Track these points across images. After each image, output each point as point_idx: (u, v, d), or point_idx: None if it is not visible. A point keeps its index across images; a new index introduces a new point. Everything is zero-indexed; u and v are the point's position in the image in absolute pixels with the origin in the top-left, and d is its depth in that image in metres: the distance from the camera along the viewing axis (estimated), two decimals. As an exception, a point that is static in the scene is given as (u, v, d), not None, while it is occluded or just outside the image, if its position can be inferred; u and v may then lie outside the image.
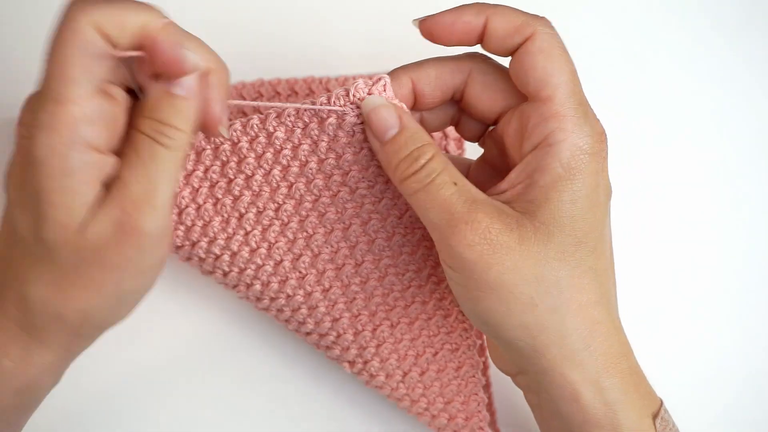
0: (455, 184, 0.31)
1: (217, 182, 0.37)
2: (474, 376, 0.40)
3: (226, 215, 0.37)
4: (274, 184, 0.36)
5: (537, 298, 0.30)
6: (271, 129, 0.35)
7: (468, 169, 0.37)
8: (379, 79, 0.34)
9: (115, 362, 0.43)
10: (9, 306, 0.30)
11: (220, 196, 0.37)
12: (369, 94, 0.33)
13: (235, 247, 0.37)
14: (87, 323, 0.30)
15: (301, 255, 0.37)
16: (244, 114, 0.43)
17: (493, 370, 0.40)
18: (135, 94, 0.30)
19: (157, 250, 0.30)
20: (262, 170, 0.36)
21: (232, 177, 0.36)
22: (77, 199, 0.28)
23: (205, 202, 0.37)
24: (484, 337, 0.41)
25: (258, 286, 0.38)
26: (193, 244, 0.37)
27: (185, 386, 0.44)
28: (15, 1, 0.45)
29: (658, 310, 0.45)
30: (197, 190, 0.37)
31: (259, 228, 0.37)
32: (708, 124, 0.47)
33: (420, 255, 0.38)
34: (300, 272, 0.38)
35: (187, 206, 0.37)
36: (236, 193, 0.37)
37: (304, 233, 0.37)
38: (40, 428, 0.36)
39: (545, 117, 0.31)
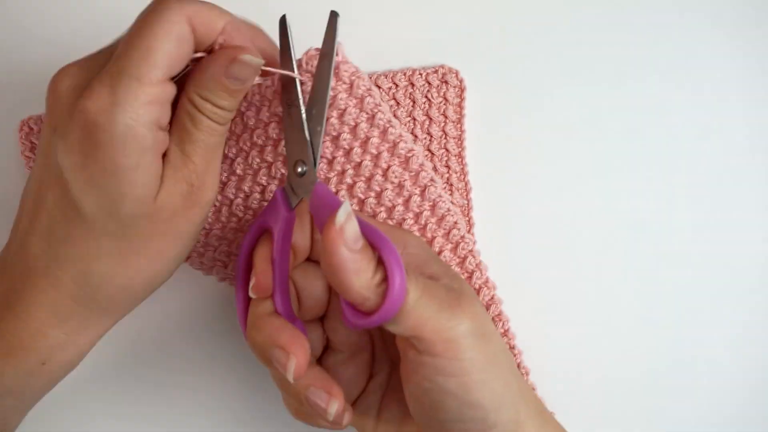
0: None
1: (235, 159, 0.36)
2: (493, 297, 0.39)
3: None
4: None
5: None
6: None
7: None
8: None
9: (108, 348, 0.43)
10: (67, 282, 0.31)
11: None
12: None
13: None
14: (149, 289, 0.33)
15: None
16: None
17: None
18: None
19: (206, 216, 0.33)
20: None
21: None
22: (152, 175, 0.30)
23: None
24: None
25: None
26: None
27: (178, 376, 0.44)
28: (15, 2, 0.45)
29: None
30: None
31: (251, 212, 0.37)
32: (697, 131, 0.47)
33: (413, 202, 0.37)
34: None
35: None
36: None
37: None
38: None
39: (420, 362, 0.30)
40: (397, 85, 0.44)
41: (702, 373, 0.45)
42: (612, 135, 0.46)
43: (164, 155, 0.31)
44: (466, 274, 0.39)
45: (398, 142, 0.36)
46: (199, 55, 0.31)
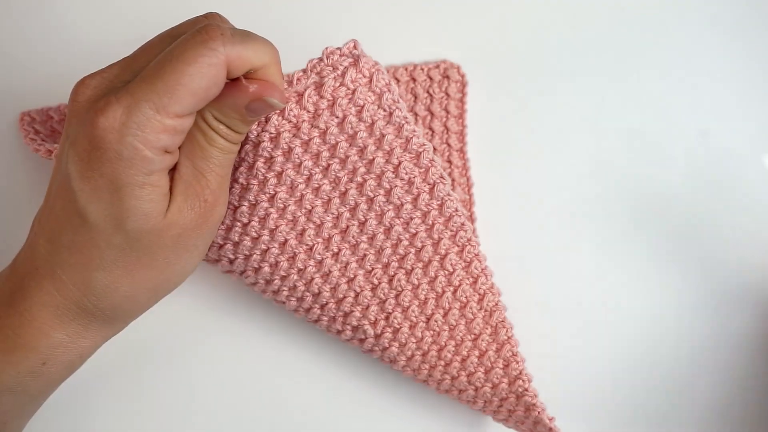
0: None
1: (238, 167, 0.36)
2: (498, 303, 0.39)
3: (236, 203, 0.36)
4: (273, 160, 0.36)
5: None
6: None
7: None
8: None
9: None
10: (71, 287, 0.31)
11: (243, 182, 0.36)
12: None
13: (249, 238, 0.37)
14: (154, 299, 0.33)
15: (304, 230, 0.37)
16: None
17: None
18: None
19: (216, 230, 0.34)
20: (274, 172, 0.36)
21: (251, 162, 0.36)
22: (157, 191, 0.30)
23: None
24: None
25: (267, 268, 0.38)
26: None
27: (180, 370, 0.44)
28: (15, 2, 0.45)
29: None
30: None
31: (256, 218, 0.36)
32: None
33: (422, 200, 0.37)
34: (307, 245, 0.37)
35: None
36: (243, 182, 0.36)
37: (304, 210, 0.36)
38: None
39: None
40: (398, 81, 0.44)
41: (702, 372, 0.45)
42: (613, 130, 0.46)
43: (176, 170, 0.31)
44: (471, 279, 0.39)
45: (411, 138, 0.35)
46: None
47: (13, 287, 0.32)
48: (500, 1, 0.46)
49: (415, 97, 0.44)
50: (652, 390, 0.45)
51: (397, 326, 0.39)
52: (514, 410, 0.40)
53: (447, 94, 0.44)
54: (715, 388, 0.45)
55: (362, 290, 0.38)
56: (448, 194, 0.37)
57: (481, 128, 0.45)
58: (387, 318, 0.39)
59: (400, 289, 0.38)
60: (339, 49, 0.34)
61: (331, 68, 0.34)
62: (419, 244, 0.38)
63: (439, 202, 0.37)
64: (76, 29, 0.45)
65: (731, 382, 0.45)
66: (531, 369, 0.40)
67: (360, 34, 0.42)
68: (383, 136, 0.35)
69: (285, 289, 0.38)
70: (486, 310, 0.39)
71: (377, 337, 0.39)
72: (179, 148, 0.31)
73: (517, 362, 0.39)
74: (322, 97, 0.34)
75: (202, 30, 0.29)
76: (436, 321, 0.39)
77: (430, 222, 0.37)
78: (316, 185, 0.36)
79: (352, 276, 0.38)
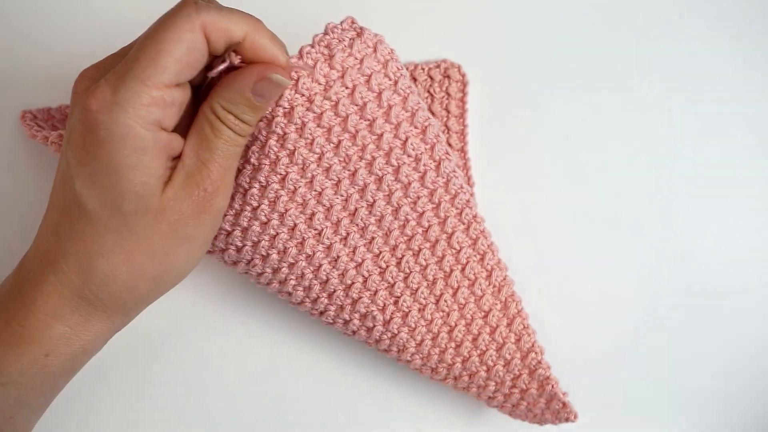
0: None
1: (251, 146, 0.36)
2: (506, 278, 0.39)
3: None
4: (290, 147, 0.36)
5: None
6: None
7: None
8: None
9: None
10: (73, 278, 0.31)
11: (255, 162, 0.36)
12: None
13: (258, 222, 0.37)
14: (154, 292, 0.33)
15: (314, 214, 0.37)
16: None
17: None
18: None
19: (219, 223, 0.34)
20: (286, 150, 0.36)
21: (263, 141, 0.36)
22: (152, 174, 0.30)
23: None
24: None
25: (275, 255, 0.37)
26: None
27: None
28: (15, 2, 0.45)
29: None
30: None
31: (266, 201, 0.36)
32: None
33: (428, 177, 0.37)
34: (316, 229, 0.37)
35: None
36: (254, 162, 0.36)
37: (314, 192, 0.36)
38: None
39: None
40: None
41: (703, 371, 0.45)
42: (613, 129, 0.46)
43: (179, 159, 0.31)
44: (478, 256, 0.39)
45: (416, 111, 0.36)
46: (225, 65, 0.31)
47: (20, 280, 0.32)
48: (501, 1, 0.46)
49: (416, 97, 0.44)
50: (658, 385, 0.45)
51: (407, 310, 0.38)
52: (527, 388, 0.40)
53: (448, 93, 0.44)
54: (717, 388, 0.45)
55: (371, 274, 0.38)
56: (453, 171, 0.37)
57: (482, 128, 0.45)
58: (396, 302, 0.38)
59: (408, 271, 0.38)
60: (341, 23, 0.35)
61: (337, 40, 0.34)
62: (426, 224, 0.38)
63: (444, 179, 0.37)
64: (77, 29, 0.45)
65: (732, 383, 0.45)
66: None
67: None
68: (390, 107, 0.35)
69: (292, 278, 0.38)
70: (495, 286, 0.39)
71: (386, 323, 0.39)
72: (187, 140, 0.32)
73: (529, 335, 0.39)
74: (332, 68, 0.34)
75: (178, 3, 0.30)
76: (445, 301, 0.39)
77: (437, 200, 0.37)
78: (327, 165, 0.36)
79: (360, 260, 0.38)
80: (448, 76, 0.44)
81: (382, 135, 0.35)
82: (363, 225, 0.37)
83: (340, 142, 0.35)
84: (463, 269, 0.38)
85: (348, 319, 0.39)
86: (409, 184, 0.37)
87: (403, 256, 0.38)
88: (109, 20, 0.45)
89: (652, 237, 0.45)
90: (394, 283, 0.38)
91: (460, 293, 0.39)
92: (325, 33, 0.35)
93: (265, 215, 0.36)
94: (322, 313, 0.39)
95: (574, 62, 0.46)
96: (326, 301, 0.39)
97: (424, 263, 0.38)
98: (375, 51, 0.35)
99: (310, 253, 0.37)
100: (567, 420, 0.40)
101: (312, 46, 0.34)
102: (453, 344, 0.39)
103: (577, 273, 0.45)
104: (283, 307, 0.43)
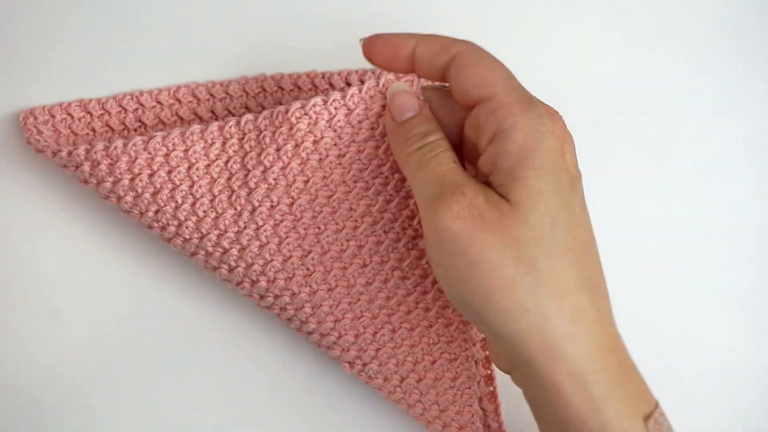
0: (454, 162, 0.33)
1: (236, 173, 0.37)
2: (470, 388, 0.39)
3: (239, 208, 0.37)
4: (291, 178, 0.36)
5: (516, 278, 0.30)
6: (293, 120, 0.35)
7: None
8: (409, 77, 0.36)
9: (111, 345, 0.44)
10: None
11: (236, 188, 0.37)
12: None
13: (244, 241, 0.37)
14: None
15: (310, 251, 0.37)
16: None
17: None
18: None
19: None
20: (281, 163, 0.36)
21: (250, 168, 0.36)
22: None
23: (220, 193, 0.37)
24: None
25: (263, 283, 0.38)
26: (202, 237, 0.37)
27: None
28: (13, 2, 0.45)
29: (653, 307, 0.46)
30: (215, 181, 0.37)
31: (271, 222, 0.37)
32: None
33: (427, 261, 0.38)
34: (307, 269, 0.37)
35: (202, 196, 0.37)
36: (252, 185, 0.37)
37: (316, 229, 0.37)
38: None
39: (492, 110, 0.32)
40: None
41: (700, 375, 0.45)
42: (614, 130, 0.46)
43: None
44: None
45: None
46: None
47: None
48: (501, 1, 0.46)
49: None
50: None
51: (372, 375, 0.39)
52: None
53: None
54: (716, 390, 0.45)
55: (346, 333, 0.39)
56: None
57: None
58: (364, 366, 0.39)
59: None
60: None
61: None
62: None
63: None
64: (78, 29, 0.45)
65: (731, 384, 0.45)
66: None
67: (360, 33, 0.42)
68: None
69: (276, 307, 0.39)
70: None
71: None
72: None
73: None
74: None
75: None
76: (408, 383, 0.39)
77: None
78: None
79: (340, 316, 0.39)
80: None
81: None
82: (352, 282, 0.38)
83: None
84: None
85: (326, 349, 0.40)
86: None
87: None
88: (110, 22, 0.45)
89: (652, 239, 0.45)
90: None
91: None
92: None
93: (266, 236, 0.37)
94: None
95: (575, 65, 0.46)
96: (303, 336, 0.40)
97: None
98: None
99: (296, 291, 0.38)
100: None
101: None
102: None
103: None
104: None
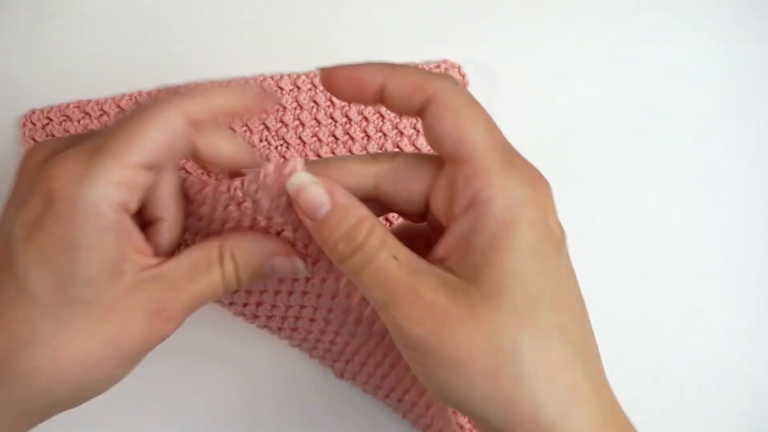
0: (395, 258, 0.29)
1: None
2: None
3: None
4: None
5: (498, 368, 0.27)
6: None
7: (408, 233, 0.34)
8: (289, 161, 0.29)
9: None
10: None
11: None
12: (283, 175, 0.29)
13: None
14: (64, 405, 0.30)
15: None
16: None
17: None
18: None
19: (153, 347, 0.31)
20: None
21: None
22: (107, 260, 0.27)
23: None
24: None
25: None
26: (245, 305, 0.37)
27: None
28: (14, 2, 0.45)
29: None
30: None
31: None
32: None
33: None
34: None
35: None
36: None
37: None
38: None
39: (468, 177, 0.28)
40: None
41: (699, 376, 0.46)
42: (614, 130, 0.46)
43: (154, 267, 0.29)
44: None
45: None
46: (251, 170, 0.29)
47: None
48: (501, 1, 0.46)
49: (416, 98, 0.44)
50: (652, 393, 0.45)
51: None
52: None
53: (448, 94, 0.44)
54: (715, 391, 0.46)
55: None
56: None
57: (482, 128, 0.45)
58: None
59: None
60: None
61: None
62: None
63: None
64: (78, 29, 0.45)
65: (730, 384, 0.46)
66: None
67: (360, 33, 0.42)
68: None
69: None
70: None
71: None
72: (175, 257, 0.29)
73: None
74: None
75: (158, 97, 0.29)
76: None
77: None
78: None
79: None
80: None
81: None
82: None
83: None
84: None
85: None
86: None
87: None
88: (110, 22, 0.45)
89: (652, 238, 0.46)
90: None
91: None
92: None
93: None
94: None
95: (574, 62, 0.46)
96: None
97: None
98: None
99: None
100: None
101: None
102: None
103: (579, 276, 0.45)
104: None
